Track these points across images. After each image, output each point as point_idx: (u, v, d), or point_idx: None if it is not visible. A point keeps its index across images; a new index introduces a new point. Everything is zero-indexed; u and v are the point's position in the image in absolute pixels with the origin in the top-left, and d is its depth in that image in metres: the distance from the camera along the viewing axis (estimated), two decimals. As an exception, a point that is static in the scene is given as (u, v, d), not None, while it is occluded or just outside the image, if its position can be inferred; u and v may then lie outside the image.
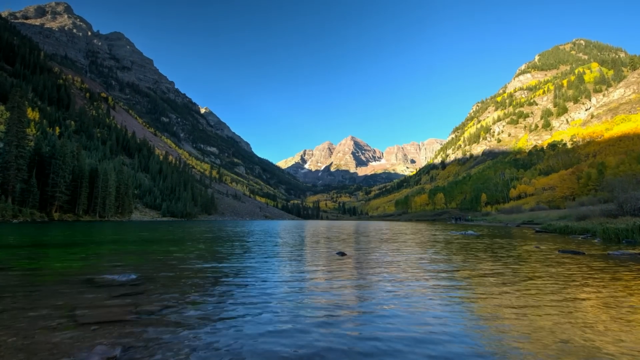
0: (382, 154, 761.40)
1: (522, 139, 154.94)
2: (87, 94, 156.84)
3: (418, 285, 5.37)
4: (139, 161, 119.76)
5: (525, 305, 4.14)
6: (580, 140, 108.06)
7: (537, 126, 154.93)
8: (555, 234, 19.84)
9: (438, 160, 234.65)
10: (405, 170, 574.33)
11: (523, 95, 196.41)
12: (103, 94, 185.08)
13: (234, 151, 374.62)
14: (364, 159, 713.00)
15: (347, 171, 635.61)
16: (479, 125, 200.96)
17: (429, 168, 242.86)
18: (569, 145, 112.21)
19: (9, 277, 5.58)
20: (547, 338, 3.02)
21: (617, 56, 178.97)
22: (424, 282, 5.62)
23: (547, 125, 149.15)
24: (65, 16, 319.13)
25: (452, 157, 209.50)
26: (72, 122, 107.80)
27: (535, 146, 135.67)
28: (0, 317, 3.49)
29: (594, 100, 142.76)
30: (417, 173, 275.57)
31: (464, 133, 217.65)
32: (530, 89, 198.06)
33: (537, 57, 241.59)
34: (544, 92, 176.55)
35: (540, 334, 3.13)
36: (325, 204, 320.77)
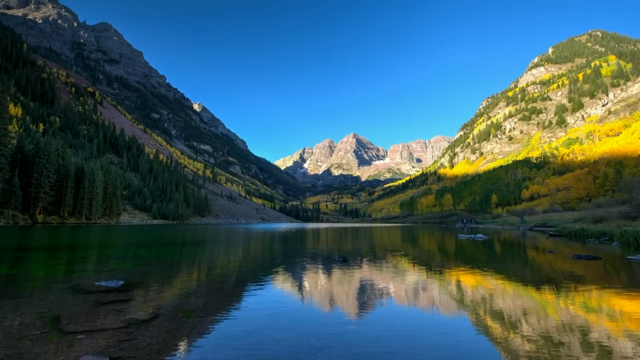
0: (386, 152, 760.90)
1: (535, 137, 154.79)
2: (73, 89, 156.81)
3: (421, 292, 5.38)
4: (127, 160, 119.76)
5: (536, 313, 4.15)
6: (597, 137, 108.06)
7: (550, 123, 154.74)
8: (570, 237, 19.83)
9: (446, 159, 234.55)
10: (411, 169, 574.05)
11: (536, 90, 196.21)
12: (90, 89, 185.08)
13: (229, 149, 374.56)
14: (366, 157, 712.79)
15: (349, 171, 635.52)
16: (489, 122, 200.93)
17: (436, 167, 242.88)
18: (585, 143, 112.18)
19: (-10, 284, 5.58)
20: (560, 348, 3.03)
21: (636, 48, 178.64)
22: (426, 288, 5.63)
23: (561, 122, 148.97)
24: (50, 6, 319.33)
25: (460, 156, 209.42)
26: (57, 119, 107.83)
27: (549, 144, 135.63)
28: (-19, 325, 3.49)
29: (611, 95, 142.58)
30: (423, 173, 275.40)
31: (473, 130, 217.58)
32: (544, 83, 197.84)
33: (550, 50, 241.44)
34: (558, 87, 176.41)
35: (552, 343, 3.14)
36: (326, 205, 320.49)
